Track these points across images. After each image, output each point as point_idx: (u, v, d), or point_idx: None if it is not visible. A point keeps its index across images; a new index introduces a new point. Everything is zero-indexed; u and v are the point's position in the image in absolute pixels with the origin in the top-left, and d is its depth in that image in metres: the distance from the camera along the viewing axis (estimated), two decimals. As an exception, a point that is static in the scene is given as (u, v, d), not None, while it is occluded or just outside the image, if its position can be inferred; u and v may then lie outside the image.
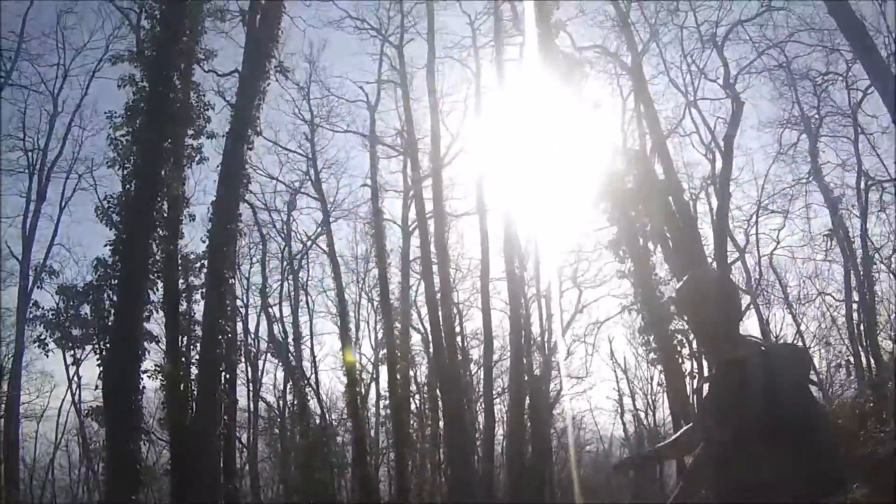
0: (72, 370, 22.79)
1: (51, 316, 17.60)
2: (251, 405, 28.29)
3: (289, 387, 27.81)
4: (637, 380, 33.72)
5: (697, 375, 16.52)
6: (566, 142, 17.91)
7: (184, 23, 15.80)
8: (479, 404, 27.14)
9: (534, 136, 19.70)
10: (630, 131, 21.11)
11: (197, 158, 16.86)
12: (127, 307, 14.04)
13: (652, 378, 31.87)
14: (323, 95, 26.35)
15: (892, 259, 21.97)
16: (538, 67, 18.38)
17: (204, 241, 16.75)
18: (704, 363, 15.92)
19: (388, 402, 25.09)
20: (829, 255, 22.81)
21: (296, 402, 26.57)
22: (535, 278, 26.17)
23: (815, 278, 24.70)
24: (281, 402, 29.31)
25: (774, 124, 23.22)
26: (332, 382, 47.93)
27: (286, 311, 28.21)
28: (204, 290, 16.52)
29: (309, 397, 26.52)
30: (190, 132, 16.60)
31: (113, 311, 15.03)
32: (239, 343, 23.43)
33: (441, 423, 24.44)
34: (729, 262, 20.65)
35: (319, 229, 27.31)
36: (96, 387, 15.17)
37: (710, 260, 18.24)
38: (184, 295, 17.34)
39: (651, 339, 18.11)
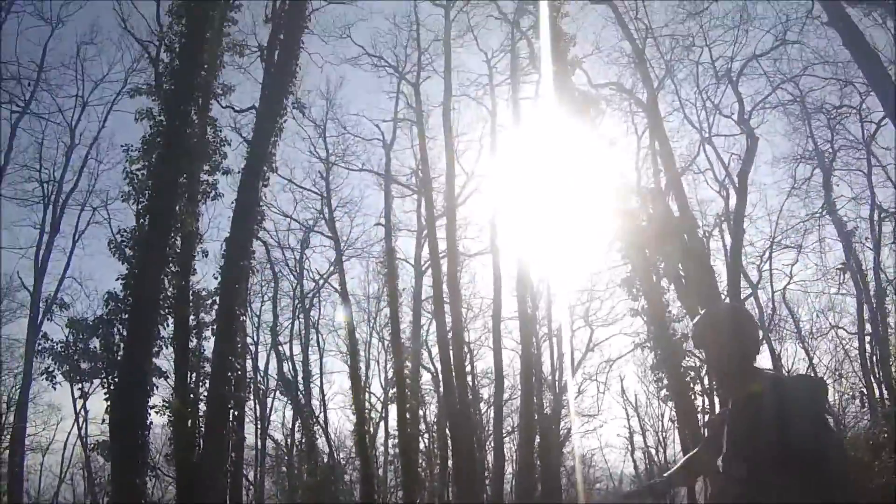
0: (79, 403, 22.79)
1: (60, 348, 17.63)
2: (259, 442, 28.17)
3: (297, 425, 27.65)
4: (648, 417, 33.43)
5: (709, 412, 16.33)
6: (581, 180, 17.94)
7: (203, 57, 15.77)
8: (488, 443, 26.81)
9: (548, 174, 19.68)
10: (644, 169, 21.13)
11: (212, 194, 16.72)
12: (137, 342, 13.95)
13: (663, 415, 31.69)
14: (339, 133, 26.74)
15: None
16: (554, 105, 18.48)
17: (216, 278, 16.71)
18: (716, 399, 15.72)
19: (396, 440, 24.82)
20: (842, 289, 22.67)
21: (304, 440, 26.34)
22: (546, 317, 26.16)
23: (828, 311, 24.61)
24: (289, 440, 29.17)
25: (788, 159, 23.30)
26: (340, 421, 47.74)
27: (296, 349, 28.17)
28: (214, 327, 16.37)
29: (317, 435, 26.31)
30: (206, 168, 16.56)
31: (122, 345, 14.95)
32: (248, 380, 23.29)
33: (450, 462, 24.10)
34: (742, 297, 20.47)
35: (332, 268, 27.38)
36: (103, 420, 15.16)
37: (723, 296, 18.11)
38: (194, 331, 17.18)
39: (663, 375, 17.94)
